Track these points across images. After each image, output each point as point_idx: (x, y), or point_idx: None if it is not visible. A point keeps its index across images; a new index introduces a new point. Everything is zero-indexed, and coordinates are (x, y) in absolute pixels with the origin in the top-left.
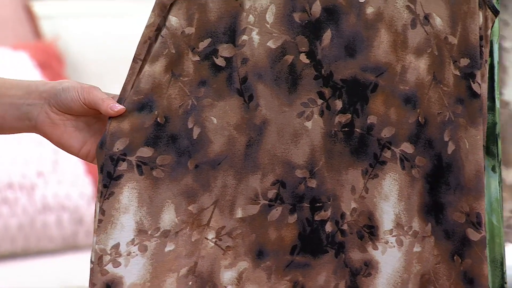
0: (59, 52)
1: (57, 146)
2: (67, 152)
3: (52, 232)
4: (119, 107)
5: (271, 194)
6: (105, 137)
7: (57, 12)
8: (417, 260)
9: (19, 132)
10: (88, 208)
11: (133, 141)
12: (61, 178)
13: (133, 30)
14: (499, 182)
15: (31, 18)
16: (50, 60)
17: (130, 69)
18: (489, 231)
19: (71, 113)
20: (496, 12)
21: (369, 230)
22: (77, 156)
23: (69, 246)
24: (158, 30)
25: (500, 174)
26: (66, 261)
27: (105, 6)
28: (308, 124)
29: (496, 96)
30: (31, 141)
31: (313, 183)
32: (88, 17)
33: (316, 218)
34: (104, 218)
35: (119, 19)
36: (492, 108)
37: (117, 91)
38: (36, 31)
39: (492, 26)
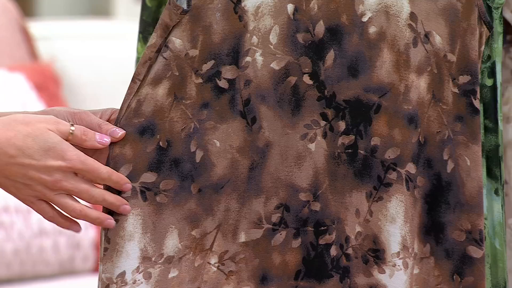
0: (56, 73)
1: None
2: None
3: (48, 256)
4: (120, 133)
5: (275, 218)
6: (108, 163)
7: (53, 34)
8: (416, 283)
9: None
10: (85, 233)
11: (136, 166)
12: None
13: (131, 52)
14: (502, 206)
15: (28, 39)
16: (47, 82)
17: (128, 89)
18: (491, 255)
19: None
20: (490, 28)
21: (374, 254)
22: None
23: (66, 271)
24: (159, 51)
25: (503, 198)
26: (63, 286)
27: (102, 27)
28: (312, 146)
29: (499, 117)
30: None
31: (317, 206)
32: (85, 38)
33: (321, 242)
34: (109, 247)
35: (116, 41)
36: (495, 130)
37: None
38: (32, 52)
39: (487, 41)
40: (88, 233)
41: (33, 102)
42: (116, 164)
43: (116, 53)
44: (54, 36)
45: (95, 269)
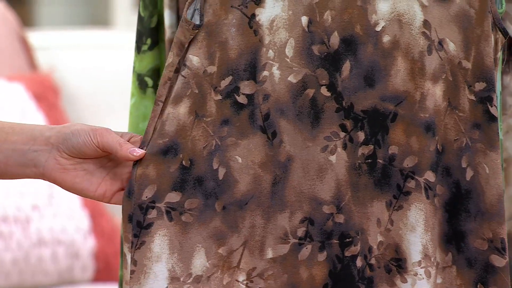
0: (55, 83)
1: (70, 191)
2: (82, 196)
3: (47, 266)
4: (140, 152)
5: (301, 232)
6: (132, 185)
7: (53, 44)
8: None
9: (23, 178)
10: (84, 242)
11: (160, 187)
12: (57, 211)
13: (130, 62)
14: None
15: (27, 49)
16: (46, 92)
17: (152, 112)
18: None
19: (82, 157)
20: (506, 34)
21: (397, 263)
22: (93, 199)
23: (65, 281)
24: (177, 70)
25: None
26: None
27: (101, 37)
28: (332, 158)
29: (500, 127)
30: None
31: (340, 219)
32: (85, 48)
33: (347, 254)
34: (136, 269)
35: (116, 51)
36: None
37: (112, 123)
38: (31, 62)
39: (501, 48)
40: (87, 243)
41: (32, 112)
42: (140, 186)
43: (115, 63)
44: (53, 46)
45: (94, 279)
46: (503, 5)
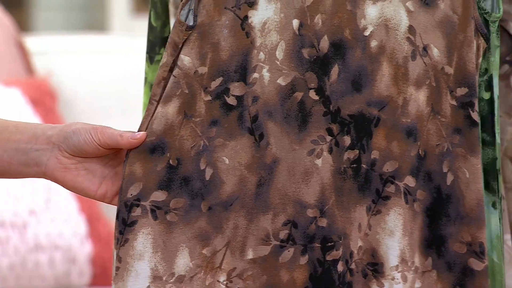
0: (52, 88)
1: (71, 190)
2: (83, 195)
3: (44, 271)
4: (141, 134)
5: (283, 234)
6: (122, 183)
7: (50, 48)
8: None
9: (26, 177)
10: (81, 247)
11: (146, 185)
12: (54, 216)
13: (127, 67)
14: (499, 219)
15: (24, 54)
16: (43, 97)
17: (146, 111)
18: (490, 268)
19: (84, 156)
20: (487, 40)
21: (373, 268)
22: (94, 199)
23: (62, 286)
24: (171, 70)
25: (500, 211)
26: None
27: (98, 42)
28: (318, 161)
29: (496, 131)
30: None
31: (323, 222)
32: (81, 53)
33: (328, 258)
34: (121, 266)
35: (113, 56)
36: (492, 143)
37: None
38: (28, 67)
39: (484, 54)
40: (84, 248)
41: (29, 117)
42: (127, 183)
43: (112, 68)
44: (50, 51)
45: (91, 284)
46: (501, 10)
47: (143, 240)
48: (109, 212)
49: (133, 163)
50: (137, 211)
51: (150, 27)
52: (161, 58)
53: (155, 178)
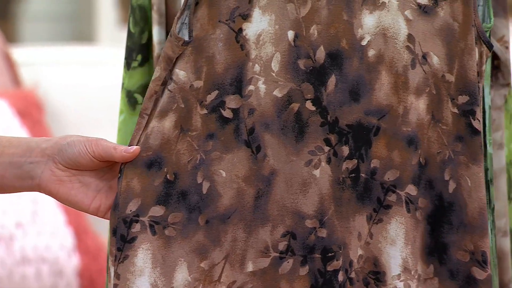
0: (39, 99)
1: (64, 203)
2: (76, 209)
3: (30, 284)
4: (134, 148)
5: (282, 246)
6: (118, 198)
7: (37, 60)
8: None
9: (20, 191)
10: (68, 260)
11: (144, 200)
12: (41, 229)
13: (114, 79)
14: (491, 230)
15: (10, 65)
16: (30, 108)
17: (136, 124)
18: None
19: (78, 169)
20: (490, 47)
21: (375, 276)
22: (87, 212)
23: None
24: (164, 84)
25: (493, 221)
26: None
27: (85, 53)
28: (316, 172)
29: (488, 141)
30: None
31: (323, 233)
32: (69, 64)
33: (329, 268)
34: (119, 283)
35: (100, 67)
36: (484, 153)
37: None
38: (15, 79)
39: (486, 61)
40: (72, 261)
41: (16, 129)
42: (125, 199)
43: (100, 79)
44: (37, 62)
45: None
46: (491, 20)
47: (143, 256)
48: (97, 224)
49: (131, 178)
50: (137, 227)
51: (129, 34)
52: (138, 64)
53: (153, 193)
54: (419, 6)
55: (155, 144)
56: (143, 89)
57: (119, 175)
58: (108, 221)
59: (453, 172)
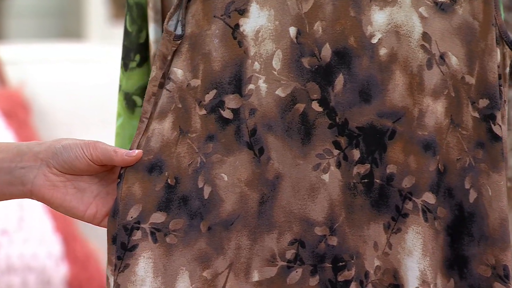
0: (25, 99)
1: (58, 210)
2: (70, 216)
3: None
4: (137, 151)
5: (290, 254)
6: (118, 205)
7: (23, 58)
8: None
9: (10, 199)
10: (56, 269)
11: (146, 206)
12: (27, 236)
13: (105, 77)
14: None
15: None
16: (16, 108)
17: (137, 129)
18: None
19: (74, 173)
20: None
21: None
22: (82, 219)
23: None
24: (161, 84)
25: None
26: None
27: (74, 51)
28: (325, 177)
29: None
30: None
31: (334, 241)
32: (56, 62)
33: (340, 278)
34: None
35: (89, 65)
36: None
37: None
38: (0, 77)
39: (510, 63)
40: (60, 269)
41: (1, 130)
42: (125, 205)
43: (89, 78)
44: (24, 60)
45: None
46: (502, 16)
47: (144, 265)
48: (86, 231)
49: (132, 183)
50: (138, 235)
51: (126, 33)
52: (136, 65)
53: (154, 198)
54: (435, 3)
55: (156, 147)
56: (142, 90)
57: (119, 180)
58: (97, 227)
59: (474, 180)
